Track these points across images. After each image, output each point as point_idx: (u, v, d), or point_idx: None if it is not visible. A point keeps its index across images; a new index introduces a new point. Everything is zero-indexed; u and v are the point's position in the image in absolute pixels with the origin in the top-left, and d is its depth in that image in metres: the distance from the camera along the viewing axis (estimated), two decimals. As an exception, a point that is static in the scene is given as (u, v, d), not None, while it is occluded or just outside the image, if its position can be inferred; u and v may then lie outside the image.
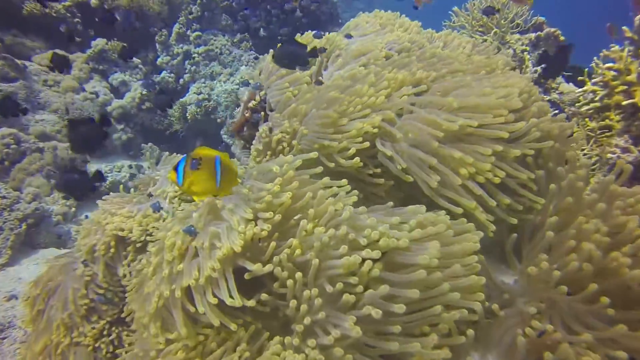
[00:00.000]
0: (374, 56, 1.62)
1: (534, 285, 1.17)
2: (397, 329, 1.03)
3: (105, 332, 1.98)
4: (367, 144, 1.39)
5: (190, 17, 6.32)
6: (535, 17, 3.12)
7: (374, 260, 1.10)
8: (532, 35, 2.84)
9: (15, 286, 3.91)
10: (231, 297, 1.14)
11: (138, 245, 1.88)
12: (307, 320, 1.08)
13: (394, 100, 1.43)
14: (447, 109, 1.33)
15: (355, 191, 1.34)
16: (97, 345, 1.96)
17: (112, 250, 1.90)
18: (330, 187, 1.31)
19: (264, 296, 1.18)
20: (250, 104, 1.84)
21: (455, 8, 3.51)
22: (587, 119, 2.07)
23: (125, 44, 5.59)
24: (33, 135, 5.04)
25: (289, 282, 1.13)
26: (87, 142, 2.02)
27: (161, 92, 4.76)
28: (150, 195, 1.93)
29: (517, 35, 2.76)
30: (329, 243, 1.13)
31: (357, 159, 1.40)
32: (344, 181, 1.34)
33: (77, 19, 6.04)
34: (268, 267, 1.16)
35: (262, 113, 1.77)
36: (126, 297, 1.86)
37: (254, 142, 1.70)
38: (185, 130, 6.16)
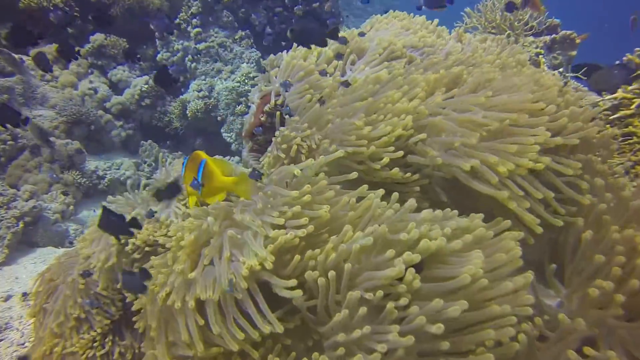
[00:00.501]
0: (397, 56, 1.56)
1: (586, 309, 1.09)
2: (445, 345, 0.95)
3: (97, 344, 1.88)
4: (400, 153, 1.33)
5: (190, 12, 6.22)
6: (550, 20, 3.07)
7: (414, 268, 1.02)
8: (547, 37, 2.79)
9: (12, 286, 3.82)
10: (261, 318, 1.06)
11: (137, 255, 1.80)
12: (342, 337, 1.00)
13: (427, 104, 1.36)
14: (481, 107, 1.27)
15: (395, 195, 1.25)
16: (89, 355, 1.87)
17: (113, 259, 1.82)
18: (363, 197, 1.24)
19: (291, 309, 1.10)
20: (266, 107, 1.77)
21: (468, 9, 3.46)
22: (607, 125, 2.03)
23: (127, 45, 5.49)
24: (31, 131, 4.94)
25: (322, 292, 1.05)
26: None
27: (164, 68, 4.54)
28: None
29: (530, 38, 2.71)
30: (368, 248, 1.06)
31: (396, 169, 1.33)
32: (381, 191, 1.25)
33: (75, 14, 5.93)
34: (292, 282, 1.09)
35: (277, 113, 1.69)
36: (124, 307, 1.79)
37: (270, 147, 1.63)
38: (185, 127, 6.07)
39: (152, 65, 6.29)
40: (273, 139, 1.60)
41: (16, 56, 5.10)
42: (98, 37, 5.76)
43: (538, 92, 1.26)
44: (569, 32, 2.89)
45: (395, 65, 1.54)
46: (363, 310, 0.99)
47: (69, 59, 2.09)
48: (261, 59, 6.29)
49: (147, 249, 1.78)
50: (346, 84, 1.49)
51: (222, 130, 5.96)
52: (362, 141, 1.34)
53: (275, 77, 1.78)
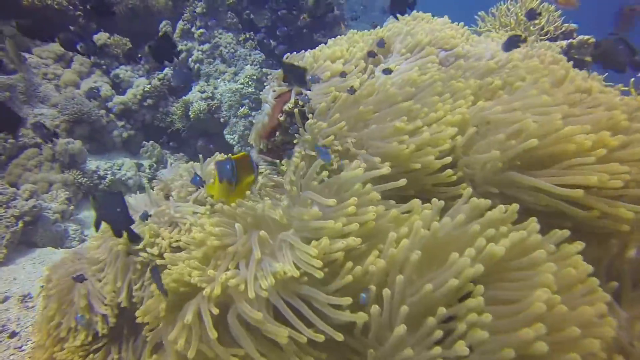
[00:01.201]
0: (431, 59, 1.49)
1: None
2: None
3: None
4: (449, 159, 1.25)
5: (195, 13, 6.18)
6: (566, 25, 3.04)
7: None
8: (564, 42, 2.76)
9: (10, 287, 3.74)
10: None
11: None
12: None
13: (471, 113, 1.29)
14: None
15: (440, 203, 1.15)
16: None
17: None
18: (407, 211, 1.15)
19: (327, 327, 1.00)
20: (286, 107, 1.71)
21: (482, 12, 3.43)
22: None
23: (130, 45, 5.41)
24: (31, 129, 4.87)
25: (375, 311, 0.95)
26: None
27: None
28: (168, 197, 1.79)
29: (547, 43, 2.68)
30: (422, 260, 0.97)
31: (449, 171, 1.25)
32: (439, 203, 1.13)
33: (78, 12, 5.88)
34: (347, 300, 0.99)
35: (296, 110, 1.61)
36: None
37: (294, 152, 1.55)
38: (188, 128, 6.01)
39: (155, 66, 6.23)
40: (298, 137, 1.53)
41: (20, 54, 5.04)
42: (101, 37, 5.71)
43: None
44: (586, 37, 2.86)
45: (430, 67, 1.47)
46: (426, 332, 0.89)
47: (90, 54, 2.05)
48: (264, 62, 6.26)
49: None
50: (387, 71, 1.42)
51: (224, 132, 5.90)
52: (403, 152, 1.26)
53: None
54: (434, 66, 1.48)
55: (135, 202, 1.80)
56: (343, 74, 1.49)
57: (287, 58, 1.89)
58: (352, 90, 1.38)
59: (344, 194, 1.17)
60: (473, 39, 1.74)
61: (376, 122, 1.35)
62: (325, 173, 1.22)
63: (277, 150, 1.86)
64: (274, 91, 1.84)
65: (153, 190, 2.03)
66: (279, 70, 1.93)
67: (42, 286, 1.90)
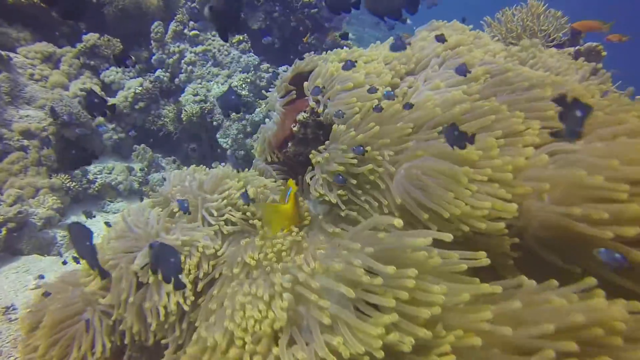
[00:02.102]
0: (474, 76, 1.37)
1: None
2: None
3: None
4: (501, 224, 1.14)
5: (188, 14, 6.06)
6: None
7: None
8: (572, 49, 2.73)
9: (-6, 297, 3.57)
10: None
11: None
12: None
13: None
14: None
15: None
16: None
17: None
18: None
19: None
20: (300, 116, 1.61)
21: (488, 18, 3.40)
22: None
23: (121, 46, 5.25)
24: (16, 132, 4.70)
25: None
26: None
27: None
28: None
29: (553, 50, 2.64)
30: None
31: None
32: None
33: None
34: None
35: (311, 119, 1.51)
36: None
37: (314, 177, 1.45)
38: (180, 131, 5.88)
39: (146, 67, 6.09)
40: (315, 153, 1.42)
41: (3, 53, 4.85)
42: (91, 37, 5.54)
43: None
44: (594, 44, 2.85)
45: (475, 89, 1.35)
46: None
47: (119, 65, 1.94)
48: (257, 64, 6.16)
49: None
50: (408, 105, 1.33)
51: (217, 136, 5.78)
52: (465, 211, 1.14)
53: (312, 84, 1.60)
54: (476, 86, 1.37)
55: (142, 231, 1.61)
56: (373, 89, 1.38)
57: (302, 62, 1.78)
58: (378, 108, 1.29)
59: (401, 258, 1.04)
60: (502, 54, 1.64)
61: (424, 149, 1.25)
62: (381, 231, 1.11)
63: (289, 161, 1.76)
64: (282, 98, 1.75)
65: (151, 198, 1.91)
66: (287, 73, 1.83)
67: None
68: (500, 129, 1.27)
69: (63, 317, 1.63)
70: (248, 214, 1.57)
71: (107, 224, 1.78)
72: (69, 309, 1.66)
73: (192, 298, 1.43)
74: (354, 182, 1.38)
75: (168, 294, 1.42)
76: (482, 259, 1.06)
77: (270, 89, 2.07)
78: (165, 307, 1.42)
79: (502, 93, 1.37)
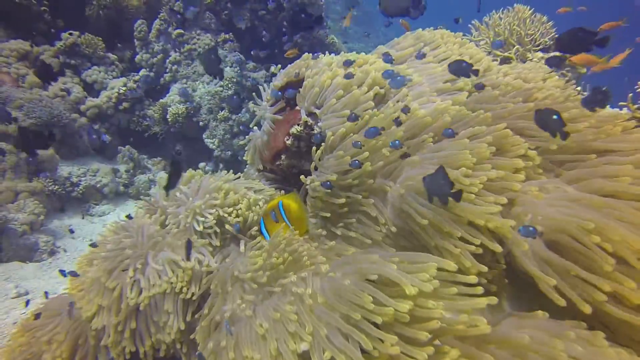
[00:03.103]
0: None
1: None
2: None
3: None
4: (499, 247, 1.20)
5: (172, 13, 5.93)
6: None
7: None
8: (558, 53, 2.76)
9: (-28, 306, 3.46)
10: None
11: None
12: None
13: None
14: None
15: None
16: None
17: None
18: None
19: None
20: (294, 129, 1.58)
21: (476, 22, 3.41)
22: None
23: (103, 45, 5.13)
24: (-6, 135, 4.54)
25: None
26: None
27: None
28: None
29: (539, 54, 2.68)
30: None
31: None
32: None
33: (43, 7, 5.53)
34: None
35: (304, 132, 1.48)
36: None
37: (310, 193, 1.44)
38: (166, 132, 5.78)
39: (129, 66, 5.96)
40: (309, 184, 1.41)
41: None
42: (71, 35, 5.39)
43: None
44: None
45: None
46: None
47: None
48: (244, 63, 6.09)
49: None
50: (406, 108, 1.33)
51: (204, 136, 5.71)
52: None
53: (306, 92, 1.56)
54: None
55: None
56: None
57: (292, 71, 1.74)
58: (398, 122, 1.29)
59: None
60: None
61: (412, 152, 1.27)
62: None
63: (282, 174, 1.73)
64: (272, 106, 1.72)
65: (143, 208, 1.85)
66: (277, 81, 1.80)
67: None
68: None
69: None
70: (240, 220, 1.57)
71: (93, 244, 1.73)
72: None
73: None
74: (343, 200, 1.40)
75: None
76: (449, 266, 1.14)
77: (258, 88, 2.04)
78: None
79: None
